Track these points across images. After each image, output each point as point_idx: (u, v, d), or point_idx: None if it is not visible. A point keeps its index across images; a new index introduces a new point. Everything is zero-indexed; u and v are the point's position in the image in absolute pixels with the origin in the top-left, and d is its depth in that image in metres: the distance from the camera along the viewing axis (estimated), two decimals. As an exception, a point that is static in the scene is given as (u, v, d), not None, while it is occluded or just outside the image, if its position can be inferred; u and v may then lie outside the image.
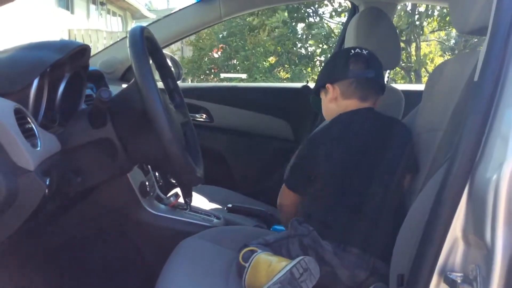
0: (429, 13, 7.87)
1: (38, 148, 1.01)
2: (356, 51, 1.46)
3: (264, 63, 9.05)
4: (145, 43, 1.17)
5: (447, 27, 8.71)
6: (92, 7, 14.61)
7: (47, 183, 0.99)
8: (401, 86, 2.09)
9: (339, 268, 1.22)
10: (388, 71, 2.07)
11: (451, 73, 1.29)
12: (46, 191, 0.99)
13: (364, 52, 1.46)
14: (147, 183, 1.58)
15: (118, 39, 2.53)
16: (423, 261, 0.92)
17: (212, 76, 9.55)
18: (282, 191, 1.48)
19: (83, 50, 1.30)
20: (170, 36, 2.21)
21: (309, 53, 9.04)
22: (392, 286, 1.08)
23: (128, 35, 1.18)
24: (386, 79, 2.12)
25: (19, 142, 0.94)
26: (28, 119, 1.03)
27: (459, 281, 0.87)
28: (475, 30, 1.13)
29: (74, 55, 1.26)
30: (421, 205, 1.04)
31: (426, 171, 1.23)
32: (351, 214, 1.28)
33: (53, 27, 10.38)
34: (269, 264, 1.17)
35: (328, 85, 1.46)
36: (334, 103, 1.46)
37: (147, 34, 1.24)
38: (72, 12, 13.17)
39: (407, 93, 1.88)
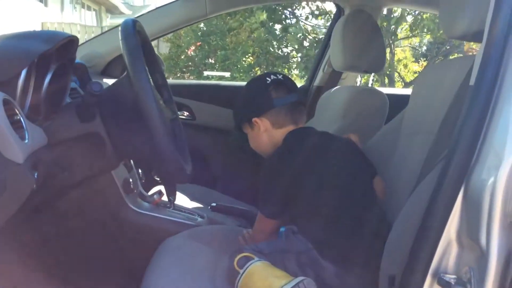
0: (401, 18, 7.99)
1: (26, 141, 0.98)
2: (272, 78, 1.43)
3: (244, 62, 9.03)
4: (138, 37, 1.14)
5: (420, 33, 8.87)
6: (66, 0, 14.34)
7: (35, 177, 0.96)
8: (385, 89, 2.11)
9: None
10: (372, 74, 2.09)
11: (442, 77, 1.30)
12: (34, 185, 0.96)
13: (280, 77, 1.44)
14: (130, 180, 1.55)
15: (93, 34, 2.49)
16: (416, 263, 0.92)
17: (188, 74, 9.47)
18: (261, 220, 1.40)
19: (70, 42, 1.27)
20: (154, 31, 2.18)
21: (286, 53, 9.08)
22: (382, 287, 1.08)
23: (120, 28, 1.15)
24: (370, 82, 2.13)
25: (8, 134, 0.91)
26: (16, 110, 1.00)
27: (453, 283, 0.87)
28: (468, 35, 1.14)
29: (61, 46, 1.22)
30: (413, 206, 1.05)
31: (414, 174, 1.24)
32: (349, 233, 1.23)
33: (26, 19, 10.14)
34: (265, 277, 1.14)
35: (255, 119, 1.42)
36: (266, 135, 1.42)
37: (138, 28, 1.22)
38: (46, 5, 12.91)
39: (391, 96, 1.90)
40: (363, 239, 1.23)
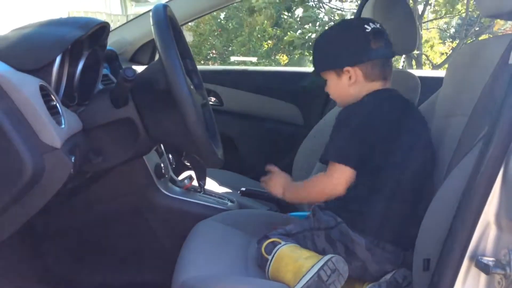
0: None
1: (63, 126, 1.00)
2: (372, 26, 1.30)
3: (262, 47, 8.94)
4: (169, 22, 1.14)
5: (449, 15, 8.69)
6: (91, -12, 14.41)
7: (73, 161, 0.98)
8: (416, 71, 2.07)
9: (370, 262, 1.17)
10: (403, 55, 2.05)
11: (477, 58, 1.27)
12: (71, 170, 0.97)
13: (379, 26, 1.33)
14: (162, 165, 1.57)
15: (118, 22, 2.50)
16: (453, 246, 0.91)
17: (212, 61, 9.48)
18: (333, 173, 1.23)
19: (102, 28, 1.28)
20: (180, 17, 2.18)
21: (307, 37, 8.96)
22: (416, 270, 1.07)
23: (151, 14, 1.15)
24: (401, 64, 2.09)
25: (45, 119, 0.92)
26: (52, 96, 1.01)
27: (491, 265, 0.86)
28: (505, 13, 1.11)
29: (93, 33, 1.24)
30: (449, 189, 1.03)
31: (450, 156, 1.21)
32: (388, 205, 1.19)
33: (53, 7, 10.25)
34: (295, 259, 1.14)
35: (347, 68, 1.30)
36: (355, 87, 1.31)
37: (169, 13, 1.22)
38: (71, -7, 12.99)
39: (423, 78, 1.86)
40: (397, 214, 1.20)
